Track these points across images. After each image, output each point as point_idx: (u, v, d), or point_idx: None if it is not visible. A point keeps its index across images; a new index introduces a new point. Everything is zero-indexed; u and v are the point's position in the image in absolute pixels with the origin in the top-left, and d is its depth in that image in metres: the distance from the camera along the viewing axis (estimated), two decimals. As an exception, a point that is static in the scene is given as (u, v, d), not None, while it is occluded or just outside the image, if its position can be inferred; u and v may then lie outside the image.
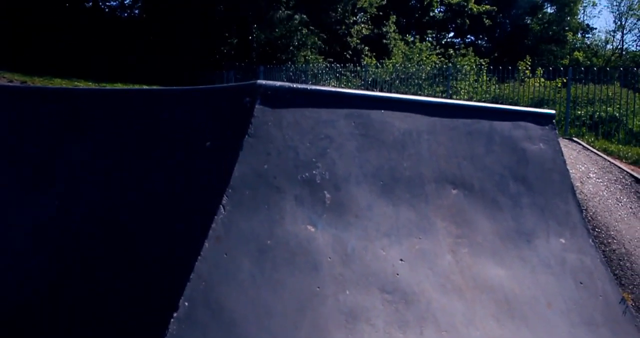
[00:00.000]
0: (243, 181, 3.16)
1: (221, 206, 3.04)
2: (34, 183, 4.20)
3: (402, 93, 19.06)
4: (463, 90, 19.55)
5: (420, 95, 19.11)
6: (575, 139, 11.77)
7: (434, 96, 18.88)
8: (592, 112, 16.03)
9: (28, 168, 4.38)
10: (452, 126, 4.15)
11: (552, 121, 4.69)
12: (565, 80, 16.40)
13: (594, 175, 8.50)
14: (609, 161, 9.20)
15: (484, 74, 20.02)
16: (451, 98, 18.57)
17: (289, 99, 3.49)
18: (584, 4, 56.82)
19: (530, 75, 19.95)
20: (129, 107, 4.13)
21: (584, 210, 6.70)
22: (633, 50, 54.65)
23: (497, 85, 19.19)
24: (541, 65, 33.07)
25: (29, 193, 4.17)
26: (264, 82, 3.42)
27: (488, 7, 50.73)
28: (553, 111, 4.95)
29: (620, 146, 12.43)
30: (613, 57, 52.04)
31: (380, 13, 37.32)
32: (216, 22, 31.14)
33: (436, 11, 50.37)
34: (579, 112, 16.50)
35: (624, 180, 8.23)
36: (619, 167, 8.82)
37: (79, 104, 4.46)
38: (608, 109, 15.86)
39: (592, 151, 10.09)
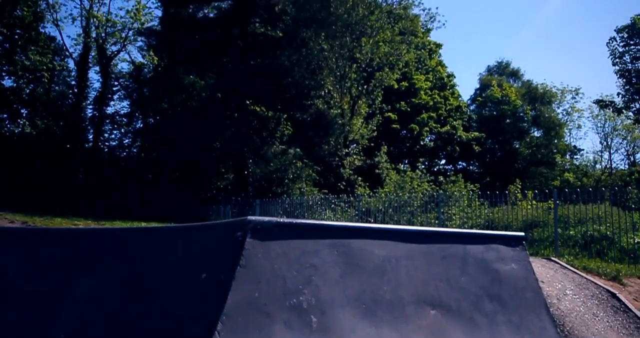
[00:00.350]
0: (236, 309, 3.46)
1: (216, 332, 3.33)
2: (40, 322, 4.45)
3: (395, 221, 19.48)
4: (456, 216, 19.96)
5: (413, 222, 19.50)
6: (553, 258, 12.07)
7: (427, 223, 19.25)
8: (583, 232, 16.34)
9: (33, 307, 4.64)
10: (428, 251, 4.51)
11: (522, 243, 5.06)
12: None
13: (571, 292, 8.73)
14: (585, 278, 9.46)
15: (475, 199, 20.49)
16: (444, 224, 18.97)
17: (277, 233, 3.87)
18: (570, 127, 58.87)
19: (522, 198, 20.46)
20: (130, 245, 4.49)
21: (560, 326, 6.90)
22: (621, 169, 55.89)
23: (489, 210, 19.61)
24: (533, 187, 33.84)
25: (35, 332, 4.40)
26: (254, 218, 3.81)
27: (477, 134, 52.49)
28: (522, 233, 5.32)
29: (599, 263, 12.66)
30: (603, 177, 53.18)
31: (372, 144, 38.59)
32: (213, 158, 32.20)
33: (426, 140, 52.00)
34: (571, 232, 16.82)
35: (600, 295, 8.46)
36: (596, 283, 9.07)
37: (81, 244, 4.81)
38: (599, 227, 16.17)
39: (569, 269, 10.37)
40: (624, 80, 37.34)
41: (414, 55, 34.49)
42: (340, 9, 29.63)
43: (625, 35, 37.24)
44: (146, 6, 37.83)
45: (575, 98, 58.25)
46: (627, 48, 37.38)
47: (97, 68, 37.32)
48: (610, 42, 37.65)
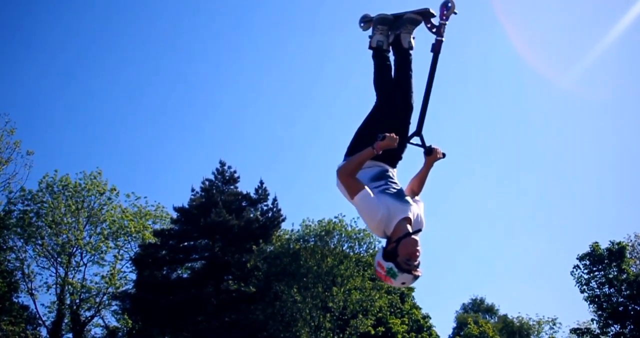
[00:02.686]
0: None
1: None
2: None
3: None
4: None
5: None
6: None
7: None
8: None
9: None
10: None
11: None
12: None
13: None
14: None
15: None
16: None
17: None
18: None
19: None
20: None
21: None
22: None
23: None
24: None
25: None
26: None
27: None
28: None
29: None
30: None
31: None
32: None
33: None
34: None
35: None
36: None
37: None
38: None
39: None
40: (595, 305, 37.74)
41: (387, 300, 34.95)
42: (310, 261, 30.73)
43: (588, 262, 38.38)
44: (121, 270, 38.73)
45: (553, 328, 57.89)
46: (591, 274, 38.30)
47: (70, 335, 36.88)
48: (575, 270, 38.58)
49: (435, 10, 5.51)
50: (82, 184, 37.71)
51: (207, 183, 36.18)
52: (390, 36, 5.75)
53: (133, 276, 37.65)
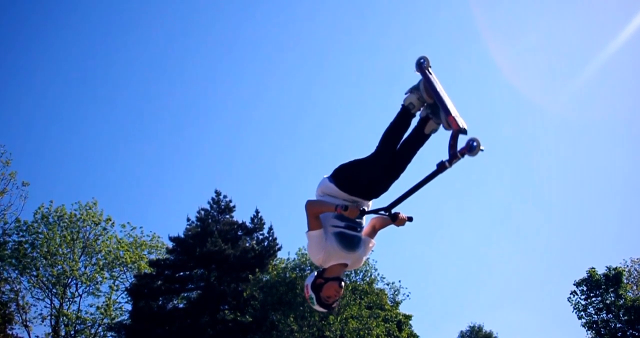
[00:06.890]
0: None
1: None
2: None
3: None
4: None
5: None
6: None
7: None
8: None
9: None
10: None
11: None
12: None
13: None
14: None
15: None
16: None
17: None
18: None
19: None
20: None
21: None
22: None
23: None
24: None
25: None
26: None
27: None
28: None
29: None
30: None
31: None
32: None
33: None
34: None
35: None
36: None
37: None
38: None
39: None
40: (593, 331, 37.61)
41: (384, 328, 34.79)
42: (306, 290, 30.67)
43: (585, 288, 38.33)
44: (116, 301, 38.60)
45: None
46: (589, 300, 38.22)
47: (65, 368, 36.58)
48: (572, 296, 38.52)
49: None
50: (78, 215, 37.81)
51: (202, 212, 36.13)
52: (423, 108, 5.77)
53: (128, 307, 37.46)
